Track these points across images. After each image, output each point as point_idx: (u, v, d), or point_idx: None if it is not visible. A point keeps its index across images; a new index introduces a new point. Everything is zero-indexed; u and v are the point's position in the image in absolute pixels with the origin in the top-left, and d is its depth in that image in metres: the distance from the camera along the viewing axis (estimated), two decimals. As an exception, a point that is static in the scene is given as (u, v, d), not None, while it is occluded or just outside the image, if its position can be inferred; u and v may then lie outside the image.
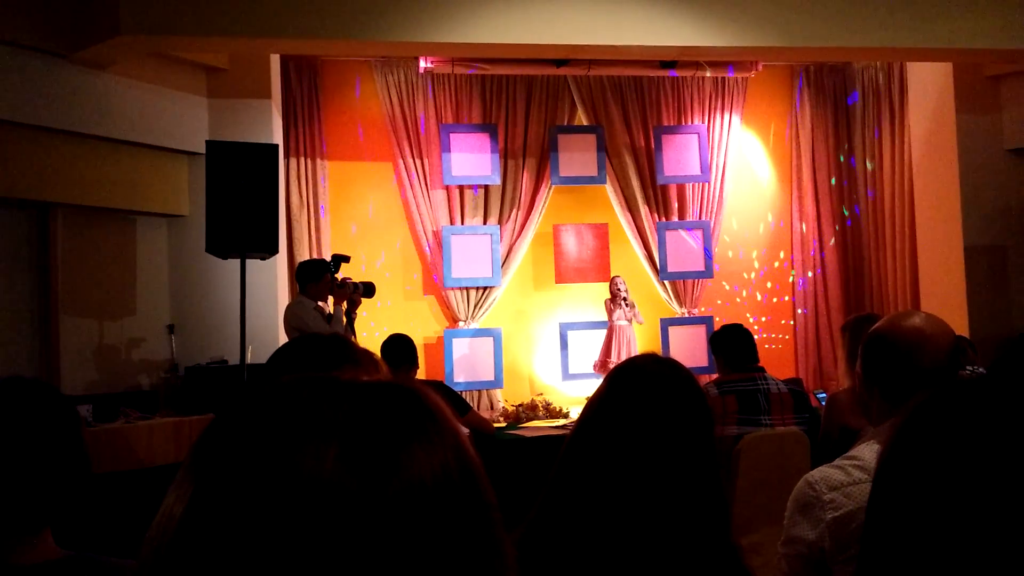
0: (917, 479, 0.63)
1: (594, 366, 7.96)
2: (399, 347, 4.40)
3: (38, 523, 1.29)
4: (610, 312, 7.89)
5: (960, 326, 7.04)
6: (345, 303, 5.26)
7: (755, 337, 3.91)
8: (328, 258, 5.89)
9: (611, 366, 7.92)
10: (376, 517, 0.49)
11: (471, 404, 8.46)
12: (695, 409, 1.35)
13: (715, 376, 4.20)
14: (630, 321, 7.82)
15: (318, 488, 0.48)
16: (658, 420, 1.31)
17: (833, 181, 9.23)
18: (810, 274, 9.16)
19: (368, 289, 5.43)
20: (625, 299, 7.83)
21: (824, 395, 4.95)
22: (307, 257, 7.81)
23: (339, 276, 5.30)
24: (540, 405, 6.92)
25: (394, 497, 0.49)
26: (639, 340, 8.41)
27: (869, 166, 9.01)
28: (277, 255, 6.10)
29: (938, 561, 0.59)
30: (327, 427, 0.51)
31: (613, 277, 8.05)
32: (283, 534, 0.47)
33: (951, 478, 0.60)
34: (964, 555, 0.58)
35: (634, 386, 1.36)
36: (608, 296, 7.99)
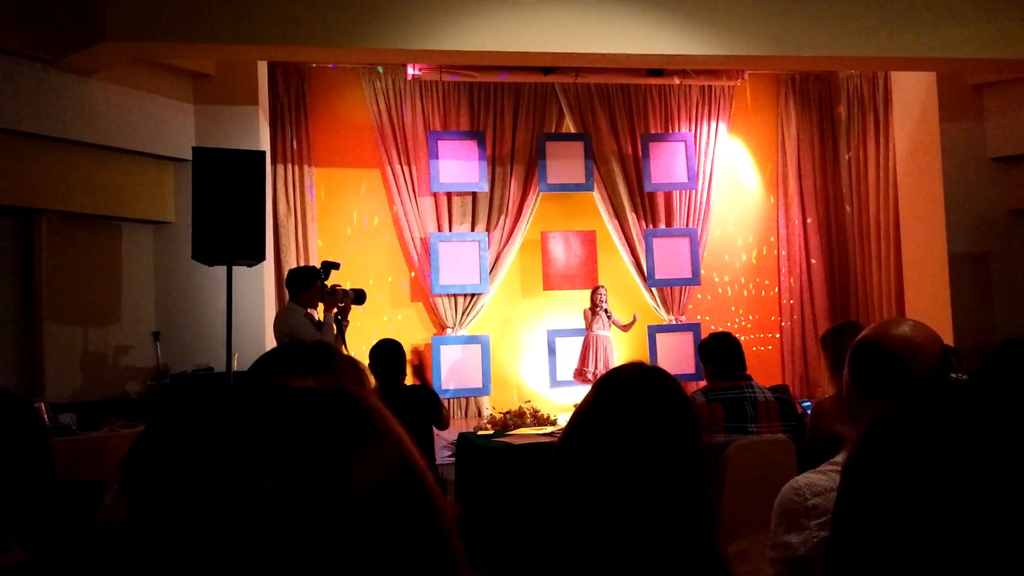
0: (881, 479, 0.63)
1: (573, 374, 8.00)
2: (389, 353, 4.36)
3: (4, 532, 1.29)
4: (588, 321, 7.93)
5: (944, 333, 7.07)
6: (335, 310, 5.24)
7: (742, 345, 3.92)
8: (317, 265, 5.86)
9: (588, 374, 7.95)
10: (321, 534, 0.48)
11: (460, 410, 8.46)
12: (682, 418, 1.35)
13: (703, 384, 4.22)
14: (609, 327, 7.88)
15: (260, 511, 0.47)
16: (646, 429, 1.31)
17: (818, 189, 9.29)
18: (796, 281, 9.20)
19: (358, 296, 5.41)
20: (606, 310, 7.88)
21: (810, 403, 4.97)
22: (294, 264, 7.80)
23: (329, 283, 5.29)
24: (528, 412, 6.90)
25: (339, 513, 0.48)
26: (629, 345, 8.44)
27: (853, 174, 9.07)
28: (264, 262, 6.07)
29: (902, 562, 0.59)
30: (264, 447, 0.50)
31: (597, 287, 8.07)
32: (227, 558, 0.46)
33: (916, 480, 0.61)
34: (928, 557, 0.58)
35: (622, 394, 1.37)
36: (588, 305, 8.03)
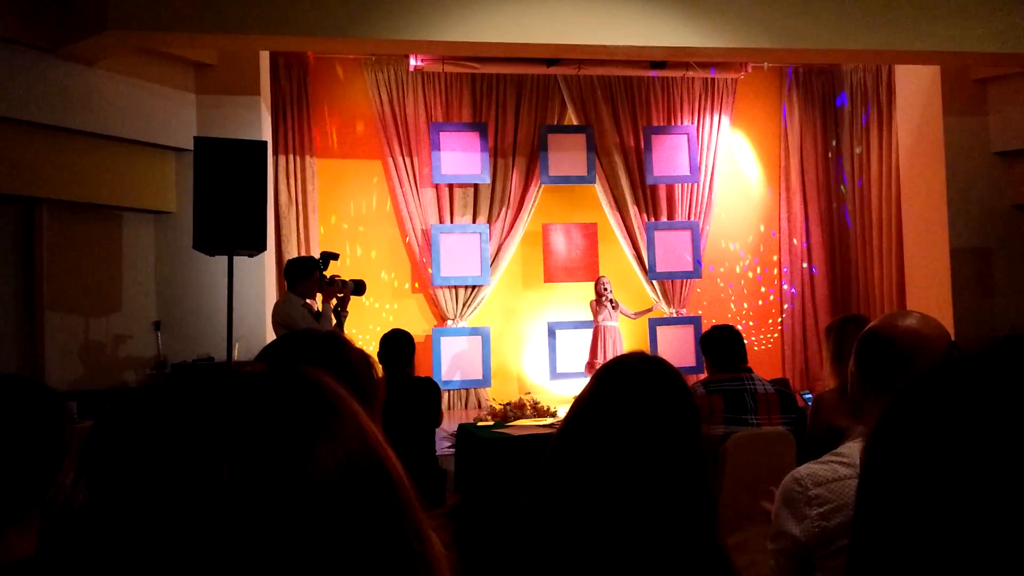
0: (905, 459, 0.63)
1: (585, 367, 7.99)
2: (399, 343, 4.36)
3: (6, 518, 1.28)
4: (595, 313, 7.92)
5: (944, 326, 7.06)
6: (334, 301, 5.23)
7: (743, 337, 3.92)
8: (317, 255, 5.86)
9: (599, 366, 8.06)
10: (285, 519, 0.47)
11: (460, 402, 8.47)
12: (682, 407, 1.35)
13: (703, 376, 4.22)
14: (615, 316, 7.87)
15: (216, 497, 0.46)
16: (645, 418, 1.31)
17: (821, 182, 9.27)
18: (798, 275, 9.20)
19: (358, 287, 5.38)
20: (611, 300, 7.86)
21: (810, 396, 4.97)
22: (295, 254, 7.80)
23: (328, 274, 5.28)
24: (528, 404, 6.91)
25: (301, 500, 0.48)
26: (631, 337, 8.44)
27: (856, 168, 9.06)
28: (265, 252, 6.07)
29: (929, 549, 0.59)
30: (218, 434, 0.49)
31: (599, 278, 8.07)
32: (183, 543, 0.45)
33: (940, 458, 0.60)
34: (955, 544, 0.58)
35: (622, 384, 1.36)
36: (593, 298, 8.02)
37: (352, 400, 0.55)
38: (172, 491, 0.47)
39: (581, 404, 1.39)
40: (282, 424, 0.50)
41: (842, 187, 9.33)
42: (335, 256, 5.40)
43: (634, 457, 1.28)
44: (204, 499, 0.46)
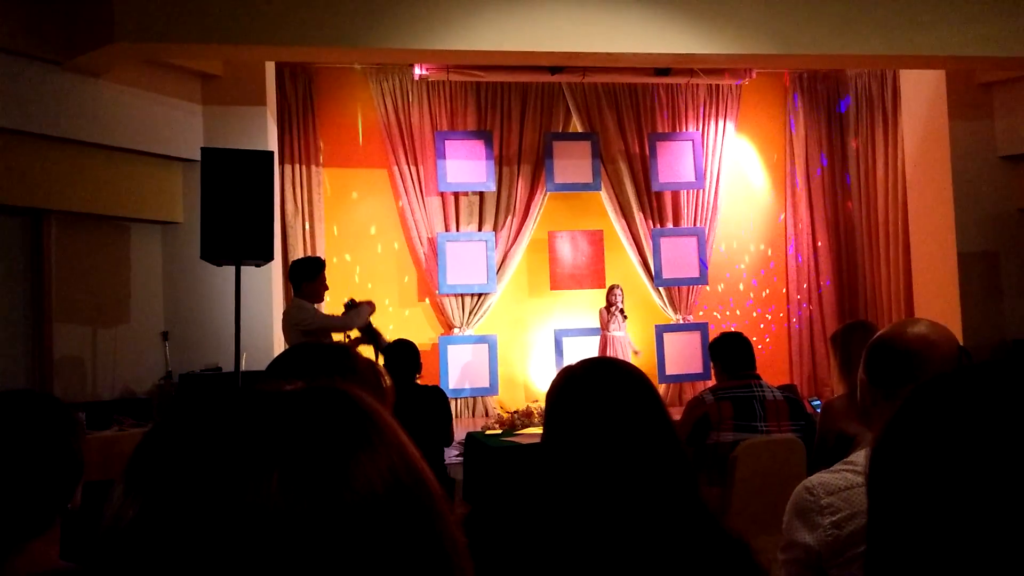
0: (910, 467, 0.63)
1: None
2: (404, 353, 4.38)
3: (28, 532, 1.29)
4: (604, 322, 7.90)
5: (953, 333, 7.04)
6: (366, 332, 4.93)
7: (752, 344, 3.91)
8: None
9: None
10: (330, 534, 0.48)
11: (468, 410, 8.47)
12: (633, 388, 1.39)
13: (711, 383, 4.21)
14: (623, 326, 7.85)
15: (264, 515, 0.47)
16: (601, 409, 1.37)
17: (827, 187, 9.26)
18: (804, 280, 9.18)
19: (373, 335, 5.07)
20: (622, 311, 7.85)
21: (819, 402, 4.95)
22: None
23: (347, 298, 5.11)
24: (535, 412, 6.89)
25: (346, 512, 0.48)
26: (637, 345, 8.42)
27: (862, 173, 9.05)
28: (272, 262, 6.08)
29: (941, 553, 0.59)
30: (264, 451, 0.49)
31: (612, 287, 8.05)
32: (234, 556, 0.46)
33: (945, 465, 0.60)
34: (966, 548, 0.58)
35: (570, 388, 1.43)
36: (604, 305, 8.00)
37: (390, 416, 0.56)
38: (222, 502, 0.48)
39: (546, 417, 1.47)
40: (326, 437, 0.51)
41: (847, 191, 9.31)
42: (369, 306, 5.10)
43: (606, 446, 1.35)
44: (254, 510, 0.47)
